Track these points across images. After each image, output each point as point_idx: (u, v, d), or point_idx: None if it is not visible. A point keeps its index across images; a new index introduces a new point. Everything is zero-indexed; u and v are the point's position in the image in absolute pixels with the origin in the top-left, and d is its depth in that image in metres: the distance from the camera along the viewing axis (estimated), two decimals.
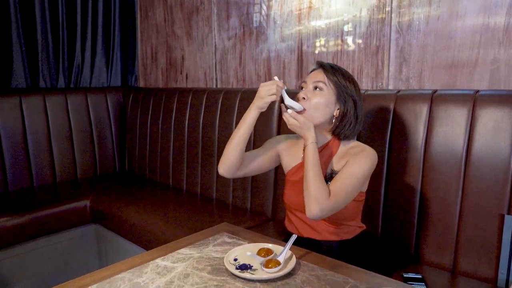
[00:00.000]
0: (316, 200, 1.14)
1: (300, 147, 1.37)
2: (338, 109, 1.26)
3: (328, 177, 1.26)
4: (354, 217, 1.32)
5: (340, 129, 1.27)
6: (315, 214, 1.15)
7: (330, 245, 1.32)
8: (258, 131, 2.03)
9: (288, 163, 1.38)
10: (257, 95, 1.24)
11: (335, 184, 1.19)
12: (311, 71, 1.31)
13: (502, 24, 1.44)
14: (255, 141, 2.04)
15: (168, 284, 1.00)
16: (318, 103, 1.24)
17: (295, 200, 1.34)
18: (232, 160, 1.32)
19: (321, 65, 1.29)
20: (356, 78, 1.86)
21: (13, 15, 2.54)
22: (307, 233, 1.33)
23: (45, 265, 2.18)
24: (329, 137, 1.31)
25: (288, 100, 1.22)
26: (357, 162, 1.21)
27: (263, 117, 2.01)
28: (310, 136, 1.21)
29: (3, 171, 2.45)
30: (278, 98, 1.22)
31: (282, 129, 1.95)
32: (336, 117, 1.27)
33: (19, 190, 2.50)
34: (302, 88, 1.29)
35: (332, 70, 1.26)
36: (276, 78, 1.23)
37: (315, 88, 1.25)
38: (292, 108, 1.22)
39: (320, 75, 1.26)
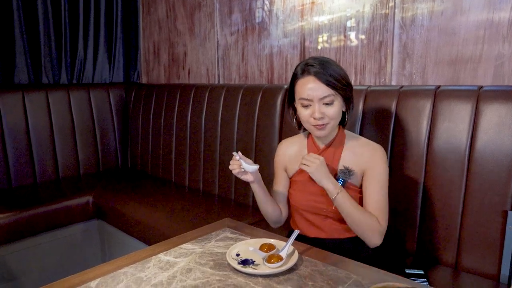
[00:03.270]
0: (372, 231, 1.22)
1: (302, 149, 1.37)
2: (344, 104, 1.28)
3: (342, 172, 1.27)
4: None
5: (347, 119, 1.31)
6: (378, 242, 1.23)
7: (335, 242, 1.32)
8: (261, 129, 2.02)
9: (292, 168, 1.38)
10: None
11: (373, 202, 1.25)
12: (300, 78, 1.24)
13: (507, 19, 1.43)
14: (257, 140, 2.04)
15: (171, 278, 1.00)
16: (334, 114, 1.23)
17: (300, 200, 1.34)
18: (273, 217, 1.40)
19: (316, 75, 1.20)
20: (358, 74, 1.88)
21: (16, 11, 2.54)
22: (313, 233, 1.34)
23: (48, 260, 2.19)
24: (336, 130, 1.32)
25: (245, 166, 1.25)
26: (379, 169, 1.26)
27: (265, 116, 2.01)
28: (330, 187, 1.20)
29: (6, 167, 2.46)
30: (242, 169, 1.26)
31: (284, 128, 1.95)
32: (345, 112, 1.29)
33: (22, 186, 2.51)
34: (305, 105, 1.23)
35: (332, 78, 1.20)
36: (234, 153, 1.26)
37: (326, 103, 1.21)
38: (251, 171, 1.27)
39: (323, 88, 1.20)
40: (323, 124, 1.22)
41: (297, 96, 1.26)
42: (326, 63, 1.23)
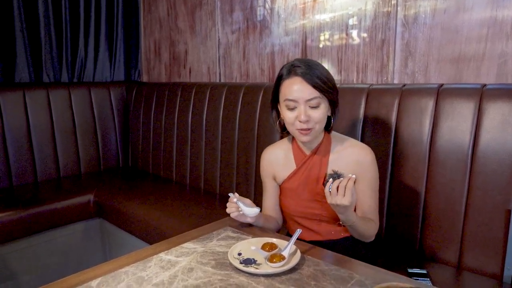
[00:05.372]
0: (373, 234, 1.28)
1: (288, 155, 1.35)
2: (330, 108, 1.25)
3: (332, 177, 1.24)
4: None
5: (332, 124, 1.28)
6: (373, 238, 1.29)
7: (332, 243, 1.31)
8: (262, 128, 2.02)
9: (281, 176, 1.36)
10: None
11: (368, 206, 1.27)
12: (285, 79, 1.21)
13: (511, 17, 1.42)
14: (258, 139, 2.03)
15: (172, 278, 0.99)
16: (321, 118, 1.20)
17: (293, 207, 1.33)
18: (274, 229, 1.39)
19: (303, 76, 1.17)
20: (360, 72, 1.87)
21: (16, 10, 2.53)
22: (310, 237, 1.33)
23: (49, 259, 2.19)
24: (322, 135, 1.30)
25: (245, 210, 1.21)
26: (370, 174, 1.26)
27: (266, 115, 2.00)
28: (348, 220, 1.17)
29: (7, 166, 2.46)
30: (240, 212, 1.22)
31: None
32: (331, 116, 1.26)
33: (23, 184, 2.51)
34: (291, 107, 1.20)
35: (319, 80, 1.17)
36: (230, 194, 1.24)
37: (312, 107, 1.18)
38: (251, 215, 1.23)
39: (309, 90, 1.17)
40: (308, 129, 1.19)
41: (282, 98, 1.23)
42: (313, 65, 1.20)
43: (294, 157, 1.33)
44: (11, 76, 2.61)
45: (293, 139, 1.35)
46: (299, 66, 1.19)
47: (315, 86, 1.17)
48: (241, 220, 1.25)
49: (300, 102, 1.18)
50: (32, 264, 2.13)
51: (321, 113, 1.19)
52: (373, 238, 1.28)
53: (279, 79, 1.24)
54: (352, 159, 1.27)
